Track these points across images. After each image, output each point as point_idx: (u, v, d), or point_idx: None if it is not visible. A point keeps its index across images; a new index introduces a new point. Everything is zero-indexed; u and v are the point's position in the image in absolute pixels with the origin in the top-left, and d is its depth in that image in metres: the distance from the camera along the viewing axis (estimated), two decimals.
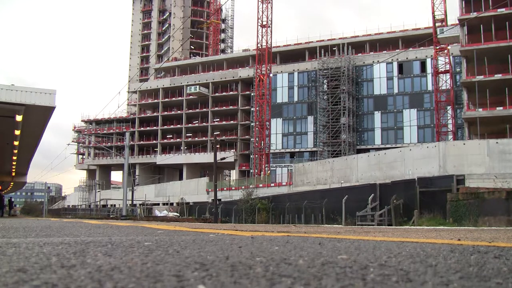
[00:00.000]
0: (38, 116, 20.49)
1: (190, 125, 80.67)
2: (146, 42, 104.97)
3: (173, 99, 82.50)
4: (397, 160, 31.46)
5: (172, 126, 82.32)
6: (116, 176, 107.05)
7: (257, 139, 64.31)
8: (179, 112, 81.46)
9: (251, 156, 68.87)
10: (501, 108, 38.51)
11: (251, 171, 67.68)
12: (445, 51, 56.66)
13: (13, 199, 48.77)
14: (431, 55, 59.12)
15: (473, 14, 38.76)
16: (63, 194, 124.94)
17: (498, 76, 38.70)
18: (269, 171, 61.49)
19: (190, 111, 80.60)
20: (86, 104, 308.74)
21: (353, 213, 22.00)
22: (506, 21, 38.00)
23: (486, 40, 39.16)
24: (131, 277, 1.82)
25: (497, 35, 38.89)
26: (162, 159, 73.84)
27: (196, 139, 79.13)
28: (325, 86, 64.97)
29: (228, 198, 48.08)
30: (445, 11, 54.73)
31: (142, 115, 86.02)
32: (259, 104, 64.55)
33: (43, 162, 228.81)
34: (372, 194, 21.87)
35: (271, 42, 63.80)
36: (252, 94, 70.04)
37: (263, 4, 62.85)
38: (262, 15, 62.86)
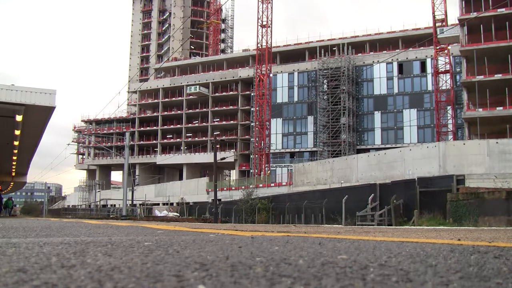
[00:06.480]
0: (38, 116, 20.45)
1: (190, 125, 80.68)
2: (146, 42, 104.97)
3: (173, 99, 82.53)
4: (397, 160, 31.46)
5: (172, 126, 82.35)
6: (116, 176, 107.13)
7: (257, 139, 64.31)
8: (179, 112, 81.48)
9: (251, 156, 68.87)
10: (501, 108, 38.50)
11: (251, 171, 67.68)
12: (445, 51, 56.65)
13: (13, 199, 48.72)
14: (431, 55, 59.12)
15: (473, 14, 38.75)
16: (63, 194, 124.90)
17: (498, 76, 38.69)
18: (269, 171, 61.49)
19: (190, 111, 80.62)
20: (86, 104, 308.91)
21: (353, 213, 21.99)
22: (506, 21, 37.99)
23: (486, 40, 39.15)
24: (131, 277, 1.82)
25: (497, 35, 38.88)
26: (162, 159, 73.84)
27: (196, 139, 79.15)
28: (325, 86, 64.97)
29: (228, 198, 48.06)
30: (445, 11, 54.76)
31: (142, 115, 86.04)
32: (259, 104, 64.55)
33: (43, 162, 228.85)
34: (372, 194, 21.86)
35: (271, 42, 63.86)
36: (252, 94, 70.05)
37: (263, 4, 62.89)
38: (262, 15, 62.92)
